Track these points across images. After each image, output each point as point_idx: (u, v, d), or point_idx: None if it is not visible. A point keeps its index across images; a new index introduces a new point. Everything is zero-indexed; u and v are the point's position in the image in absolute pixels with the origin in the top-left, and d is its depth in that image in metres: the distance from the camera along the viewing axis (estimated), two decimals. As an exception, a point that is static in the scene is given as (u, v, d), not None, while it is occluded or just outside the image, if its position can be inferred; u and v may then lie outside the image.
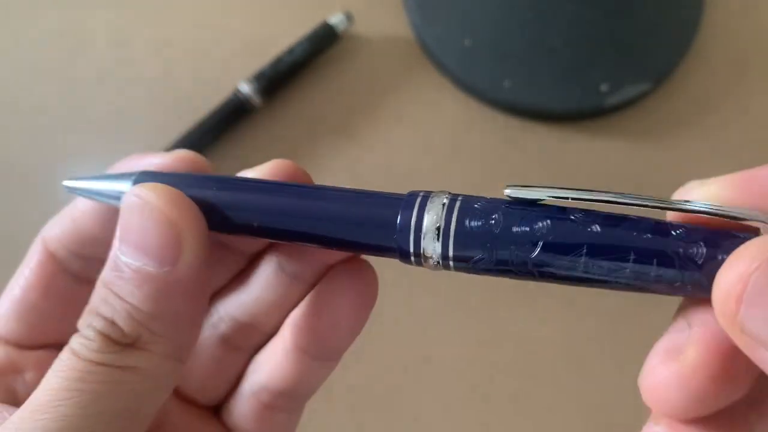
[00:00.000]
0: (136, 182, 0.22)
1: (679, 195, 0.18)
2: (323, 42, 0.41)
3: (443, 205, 0.19)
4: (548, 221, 0.17)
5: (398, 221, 0.19)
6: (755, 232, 0.17)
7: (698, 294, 0.17)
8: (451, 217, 0.18)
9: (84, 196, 0.23)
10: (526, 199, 0.18)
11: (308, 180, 0.23)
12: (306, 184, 0.22)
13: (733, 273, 0.15)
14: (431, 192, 0.19)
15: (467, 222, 0.18)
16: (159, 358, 0.20)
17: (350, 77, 0.42)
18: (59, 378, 0.19)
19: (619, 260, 0.17)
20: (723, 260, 0.16)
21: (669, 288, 0.17)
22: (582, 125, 0.41)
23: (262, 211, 0.21)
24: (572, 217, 0.17)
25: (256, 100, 0.40)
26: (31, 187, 0.39)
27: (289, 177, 0.23)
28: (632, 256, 0.17)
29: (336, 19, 0.41)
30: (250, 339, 0.25)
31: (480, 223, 0.18)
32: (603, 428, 0.36)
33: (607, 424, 0.36)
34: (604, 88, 0.40)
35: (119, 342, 0.19)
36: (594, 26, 0.42)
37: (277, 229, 0.21)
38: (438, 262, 0.19)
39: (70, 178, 0.23)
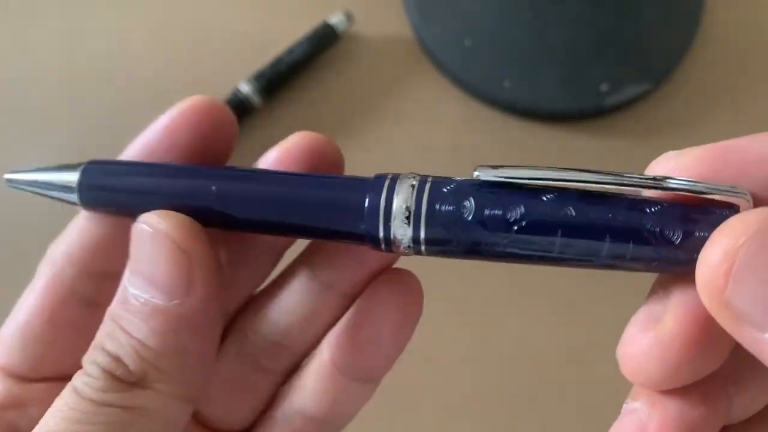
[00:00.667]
0: (84, 172, 0.20)
1: (655, 165, 0.17)
2: (323, 42, 0.41)
3: (412, 187, 0.18)
4: (521, 204, 0.17)
5: (366, 205, 0.18)
6: (733, 208, 0.16)
7: (676, 270, 0.17)
8: (422, 199, 0.18)
9: (28, 190, 0.21)
10: (498, 181, 0.17)
11: (335, 152, 0.22)
12: (262, 169, 0.21)
13: (719, 249, 0.15)
14: (399, 174, 0.18)
15: (438, 205, 0.17)
16: (167, 399, 0.18)
17: (350, 77, 0.42)
18: (58, 418, 0.18)
19: (595, 241, 0.16)
20: (701, 237, 0.16)
21: (646, 266, 0.17)
22: (582, 125, 0.41)
23: (220, 199, 0.19)
24: (545, 198, 0.17)
25: (256, 100, 0.40)
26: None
27: (315, 151, 0.22)
28: (608, 237, 0.16)
29: (336, 18, 0.41)
30: (280, 359, 0.23)
31: (451, 206, 0.17)
32: (604, 429, 0.36)
33: (608, 425, 0.36)
34: (604, 88, 0.40)
35: (124, 380, 0.18)
36: (594, 26, 0.42)
37: (234, 217, 0.19)
38: (409, 246, 0.18)
39: (12, 171, 0.21)
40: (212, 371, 0.20)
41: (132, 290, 0.19)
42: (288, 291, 0.22)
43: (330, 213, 0.19)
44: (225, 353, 0.23)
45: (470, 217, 0.17)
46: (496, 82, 0.41)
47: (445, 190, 0.18)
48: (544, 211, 0.17)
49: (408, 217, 0.18)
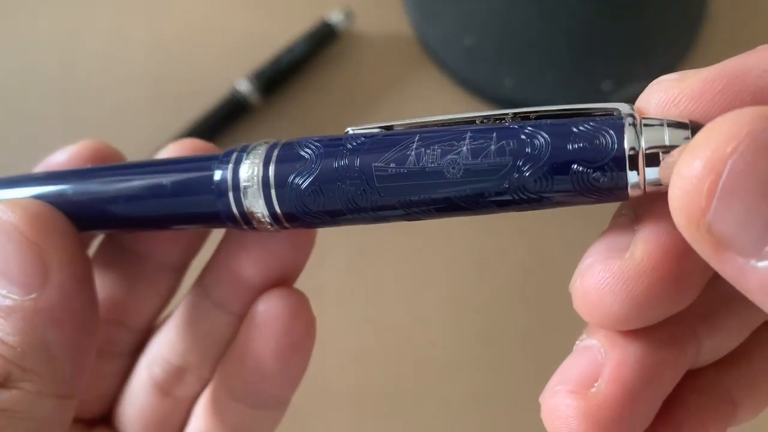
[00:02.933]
0: None
1: (648, 95, 0.15)
2: (322, 40, 0.41)
3: (260, 155, 0.17)
4: (375, 149, 0.16)
5: (214, 180, 0.17)
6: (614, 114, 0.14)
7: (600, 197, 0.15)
8: (269, 167, 0.16)
9: None
10: (362, 132, 0.16)
11: (119, 157, 0.21)
12: (118, 163, 0.20)
13: (700, 159, 0.12)
14: (249, 144, 0.17)
15: (291, 170, 0.16)
16: (36, 397, 0.17)
17: (350, 76, 0.41)
18: None
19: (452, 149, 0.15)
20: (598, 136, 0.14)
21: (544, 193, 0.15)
22: (584, 124, 0.41)
23: (75, 200, 0.19)
24: (397, 136, 0.16)
25: (255, 98, 0.40)
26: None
27: (98, 157, 0.20)
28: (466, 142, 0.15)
29: (335, 17, 0.41)
30: (185, 384, 0.22)
31: (303, 166, 0.16)
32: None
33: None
34: (606, 86, 0.40)
35: None
36: (596, 25, 0.41)
37: (96, 213, 0.19)
38: (271, 224, 0.17)
39: None
40: (89, 364, 0.19)
41: None
42: (185, 312, 0.21)
43: (186, 195, 0.18)
44: (137, 379, 0.22)
45: (324, 172, 0.16)
46: (496, 81, 0.40)
47: (299, 151, 0.16)
48: (396, 143, 0.15)
49: (259, 188, 0.16)
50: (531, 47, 0.41)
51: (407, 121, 0.16)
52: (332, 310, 0.37)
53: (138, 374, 0.22)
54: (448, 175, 0.15)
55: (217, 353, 0.21)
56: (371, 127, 0.16)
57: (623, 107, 0.15)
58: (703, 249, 0.13)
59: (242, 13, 0.43)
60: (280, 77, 0.40)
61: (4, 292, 0.17)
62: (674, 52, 0.41)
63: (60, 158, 0.21)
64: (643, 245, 0.14)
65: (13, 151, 0.40)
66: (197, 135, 0.39)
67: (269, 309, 0.20)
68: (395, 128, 0.16)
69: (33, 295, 0.17)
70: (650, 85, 0.15)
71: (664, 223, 0.14)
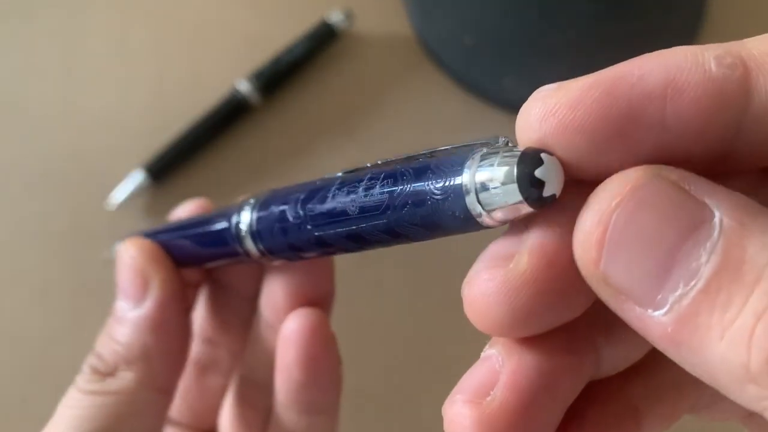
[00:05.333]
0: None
1: (529, 103, 0.15)
2: (322, 40, 0.41)
3: (249, 205, 0.22)
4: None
5: (226, 228, 0.23)
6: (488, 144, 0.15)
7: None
8: (252, 217, 0.21)
9: None
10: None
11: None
12: (176, 221, 0.27)
13: (591, 213, 0.13)
14: (253, 195, 0.22)
15: (262, 220, 0.21)
16: (134, 384, 0.23)
17: (349, 76, 0.41)
18: (61, 407, 0.23)
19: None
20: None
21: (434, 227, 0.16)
22: (583, 124, 0.41)
23: (168, 243, 0.25)
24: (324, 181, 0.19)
25: (255, 98, 0.40)
26: (27, 187, 0.39)
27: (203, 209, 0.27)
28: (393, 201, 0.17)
29: (335, 17, 0.41)
30: (263, 398, 0.26)
31: (273, 215, 0.21)
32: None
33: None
34: (605, 86, 0.40)
35: (102, 372, 0.23)
36: (596, 25, 0.41)
37: (173, 254, 0.25)
38: (263, 256, 0.22)
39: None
40: (181, 365, 0.25)
41: (117, 302, 0.24)
42: (254, 333, 0.26)
43: (217, 239, 0.23)
44: (231, 394, 0.27)
45: (282, 225, 0.20)
46: (496, 80, 0.40)
47: (271, 204, 0.21)
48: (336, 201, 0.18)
49: (249, 233, 0.22)
50: (531, 47, 0.41)
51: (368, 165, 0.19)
52: (332, 310, 0.37)
53: (232, 390, 0.27)
54: (350, 212, 0.17)
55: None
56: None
57: (500, 139, 0.16)
58: (606, 299, 0.13)
59: (242, 13, 0.43)
60: (280, 77, 0.40)
61: (122, 304, 0.24)
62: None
63: (181, 212, 0.27)
64: (527, 256, 0.14)
65: (13, 151, 0.40)
66: (198, 135, 0.39)
67: (289, 326, 0.24)
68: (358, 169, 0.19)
69: (138, 308, 0.24)
70: (531, 96, 0.15)
71: (551, 233, 0.14)
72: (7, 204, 0.38)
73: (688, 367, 0.13)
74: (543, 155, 0.14)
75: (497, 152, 0.15)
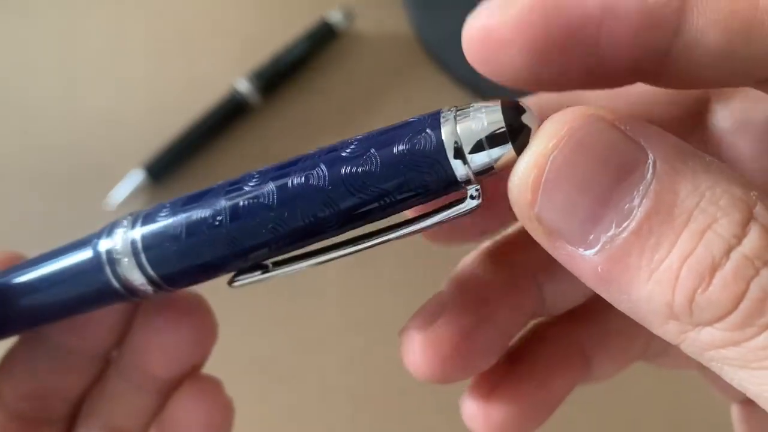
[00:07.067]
0: None
1: (478, 19, 0.15)
2: (322, 40, 0.41)
3: (125, 223, 0.17)
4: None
5: (92, 257, 0.17)
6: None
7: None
8: (132, 237, 0.17)
9: None
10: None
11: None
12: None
13: (527, 156, 0.13)
14: (118, 219, 0.17)
15: (155, 233, 0.16)
16: None
17: (349, 75, 0.41)
18: None
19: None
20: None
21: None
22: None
23: None
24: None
25: (255, 98, 0.39)
26: (27, 186, 0.39)
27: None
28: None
29: (335, 16, 0.41)
30: None
31: (166, 224, 0.16)
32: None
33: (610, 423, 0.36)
34: (606, 86, 0.40)
35: None
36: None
37: None
38: (153, 290, 0.17)
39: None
40: None
41: None
42: (111, 391, 0.22)
43: (74, 281, 0.18)
44: None
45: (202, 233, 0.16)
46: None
47: (157, 215, 0.17)
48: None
49: (131, 258, 0.17)
50: (531, 47, 0.41)
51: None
52: (332, 310, 0.37)
53: None
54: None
55: (149, 422, 0.22)
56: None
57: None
58: (538, 239, 0.14)
59: (242, 13, 0.43)
60: (280, 77, 0.40)
61: None
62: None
63: None
64: (447, 315, 0.18)
65: (12, 150, 0.40)
66: (197, 134, 0.39)
67: (186, 409, 0.21)
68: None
69: None
70: (477, 10, 0.15)
71: (471, 293, 0.17)
72: (6, 203, 0.38)
73: (615, 304, 0.13)
74: (522, 105, 0.14)
75: (467, 109, 0.15)
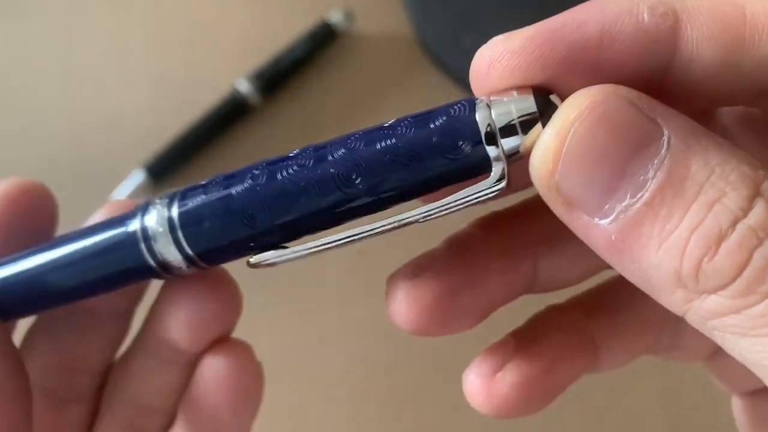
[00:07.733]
0: None
1: (483, 52, 0.16)
2: (322, 40, 0.41)
3: (163, 204, 0.17)
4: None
5: (126, 234, 0.17)
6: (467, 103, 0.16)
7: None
8: (172, 209, 0.17)
9: None
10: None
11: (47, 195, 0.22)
12: (39, 243, 0.20)
13: (550, 128, 0.14)
14: (151, 199, 0.18)
15: (192, 211, 0.17)
16: None
17: (350, 76, 0.41)
18: None
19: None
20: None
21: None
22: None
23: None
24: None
25: (255, 99, 0.40)
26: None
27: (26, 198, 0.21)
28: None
29: (335, 17, 0.41)
30: (153, 418, 0.23)
31: (204, 202, 0.17)
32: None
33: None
34: (605, 86, 0.40)
35: None
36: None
37: (19, 297, 0.19)
38: (187, 266, 0.17)
39: None
40: (17, 411, 0.20)
41: None
42: (137, 368, 0.22)
43: (107, 258, 0.18)
44: (102, 418, 0.23)
45: (230, 208, 0.16)
46: (496, 81, 0.40)
47: (196, 192, 0.17)
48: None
49: (169, 233, 0.17)
50: (531, 47, 0.41)
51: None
52: (332, 310, 0.37)
53: (102, 415, 0.23)
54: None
55: (177, 399, 0.22)
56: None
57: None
58: (556, 208, 0.14)
59: (242, 13, 0.43)
60: (280, 77, 0.40)
61: None
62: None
63: (99, 216, 0.21)
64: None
65: (12, 150, 0.40)
66: (197, 135, 0.39)
67: (215, 370, 0.21)
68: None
69: None
70: (484, 46, 0.16)
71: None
72: (7, 204, 0.38)
73: (626, 273, 0.14)
74: (552, 92, 0.15)
75: (504, 99, 0.15)
